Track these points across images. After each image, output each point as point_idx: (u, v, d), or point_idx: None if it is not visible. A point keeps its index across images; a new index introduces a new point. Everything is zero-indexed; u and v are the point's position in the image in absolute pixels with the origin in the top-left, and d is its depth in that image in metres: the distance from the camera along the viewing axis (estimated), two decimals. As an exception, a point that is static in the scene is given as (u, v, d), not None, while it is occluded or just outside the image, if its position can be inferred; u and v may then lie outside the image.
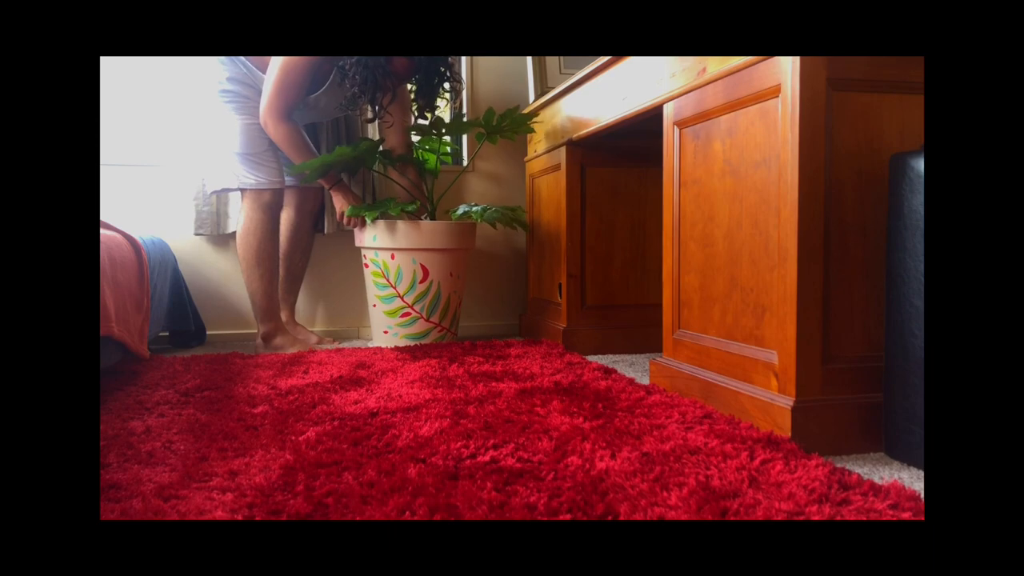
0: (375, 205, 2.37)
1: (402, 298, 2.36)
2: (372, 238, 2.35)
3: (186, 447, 1.19)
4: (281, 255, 2.47)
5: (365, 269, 2.44)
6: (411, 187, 2.53)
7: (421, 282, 2.35)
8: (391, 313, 2.39)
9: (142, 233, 2.21)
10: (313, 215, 2.61)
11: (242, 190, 2.30)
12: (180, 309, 2.52)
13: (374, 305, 2.43)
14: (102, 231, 1.79)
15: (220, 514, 0.89)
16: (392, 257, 2.34)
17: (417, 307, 2.37)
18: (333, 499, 0.93)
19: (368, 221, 2.32)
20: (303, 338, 2.49)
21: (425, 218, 2.45)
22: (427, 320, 2.39)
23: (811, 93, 1.19)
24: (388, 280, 2.36)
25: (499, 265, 3.00)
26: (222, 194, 2.57)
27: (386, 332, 2.41)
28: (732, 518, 0.86)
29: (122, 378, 1.78)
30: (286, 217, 2.50)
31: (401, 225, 2.32)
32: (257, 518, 0.88)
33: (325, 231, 2.70)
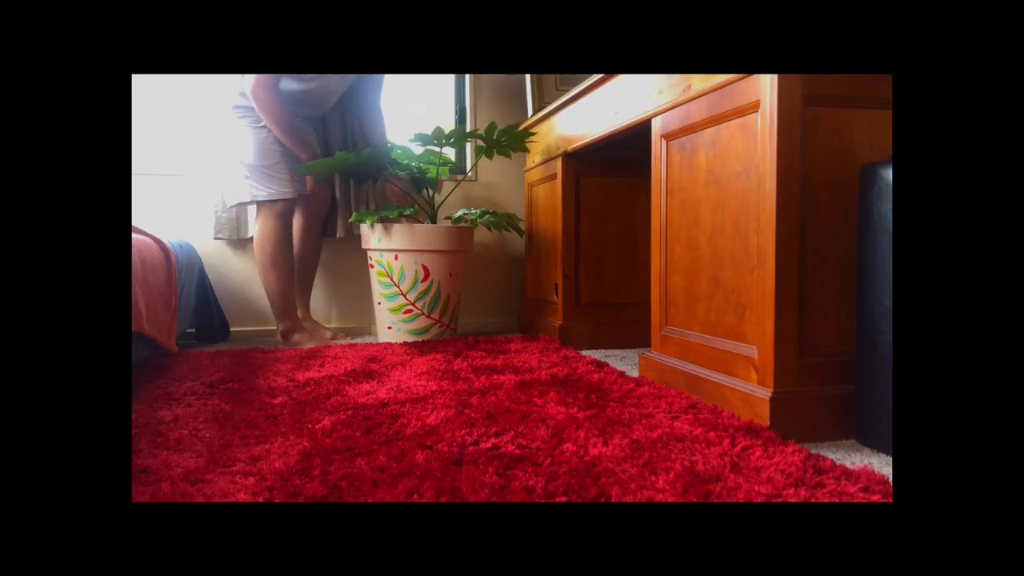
0: (377, 211, 2.37)
1: (404, 296, 2.36)
2: (377, 240, 2.35)
3: (211, 435, 1.19)
4: (294, 257, 2.46)
5: (371, 270, 2.43)
6: (411, 194, 2.54)
7: (422, 281, 2.35)
8: (395, 310, 2.38)
9: (171, 237, 2.21)
10: (321, 220, 2.59)
11: (257, 202, 2.29)
12: (206, 307, 2.51)
13: (379, 303, 2.42)
14: (134, 236, 1.78)
15: (243, 496, 0.89)
16: (396, 258, 2.34)
17: (419, 304, 2.36)
18: (347, 483, 0.93)
19: (367, 225, 2.32)
20: (319, 334, 2.48)
21: (425, 222, 2.45)
22: (428, 316, 2.38)
23: (788, 108, 1.19)
24: (392, 279, 2.36)
25: (499, 268, 3.00)
26: (240, 207, 2.56)
27: (390, 328, 2.40)
28: (715, 500, 0.86)
29: (152, 371, 1.78)
30: (297, 223, 2.49)
31: (404, 228, 2.31)
32: (276, 500, 0.88)
33: (337, 235, 2.69)
